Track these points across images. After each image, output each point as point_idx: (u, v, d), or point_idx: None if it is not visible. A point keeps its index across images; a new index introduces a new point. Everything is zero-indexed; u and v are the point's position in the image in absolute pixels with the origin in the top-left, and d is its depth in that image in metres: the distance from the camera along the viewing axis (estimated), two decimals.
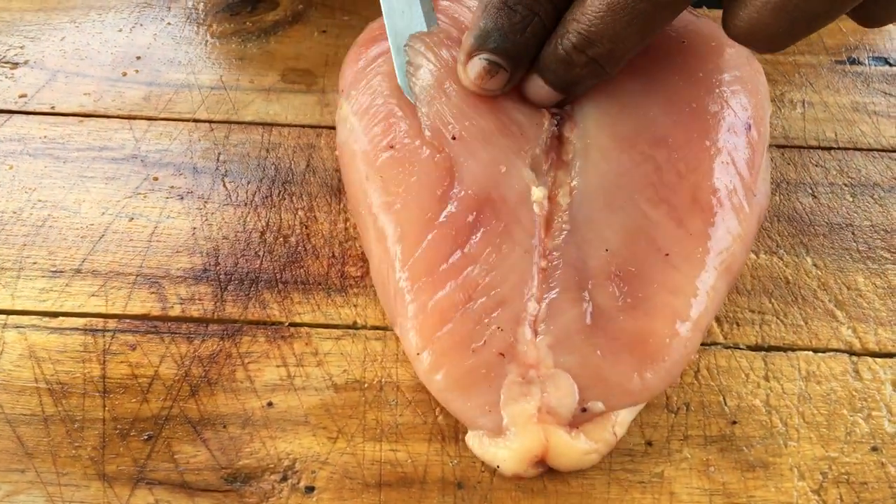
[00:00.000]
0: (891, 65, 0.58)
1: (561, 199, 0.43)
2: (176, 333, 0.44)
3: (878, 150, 0.53)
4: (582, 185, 0.43)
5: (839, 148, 0.53)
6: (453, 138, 0.43)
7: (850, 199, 0.51)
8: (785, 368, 0.43)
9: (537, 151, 0.43)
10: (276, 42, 0.59)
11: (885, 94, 0.57)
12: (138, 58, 0.57)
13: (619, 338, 0.39)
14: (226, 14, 0.60)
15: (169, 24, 0.60)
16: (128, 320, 0.44)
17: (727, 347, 0.44)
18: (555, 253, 0.41)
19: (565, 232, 0.42)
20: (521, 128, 0.44)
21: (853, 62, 0.59)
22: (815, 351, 0.44)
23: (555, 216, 0.42)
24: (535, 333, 0.39)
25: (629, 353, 0.39)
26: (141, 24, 0.59)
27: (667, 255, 0.41)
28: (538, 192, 0.42)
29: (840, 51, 0.59)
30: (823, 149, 0.53)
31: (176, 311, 0.45)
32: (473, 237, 0.41)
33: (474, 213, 0.41)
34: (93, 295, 0.45)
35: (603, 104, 0.44)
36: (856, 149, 0.53)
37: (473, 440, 0.39)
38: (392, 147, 0.44)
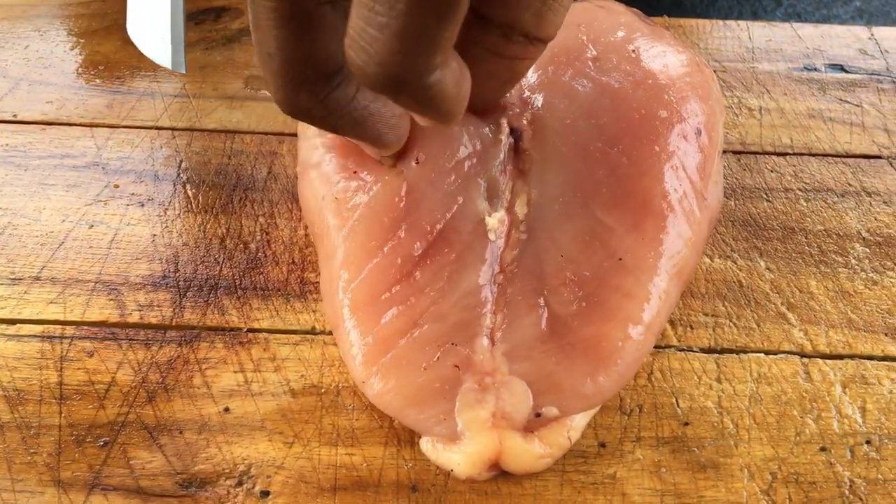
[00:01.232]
0: (846, 72, 0.59)
1: (518, 210, 0.43)
2: (134, 340, 0.44)
3: (832, 155, 0.54)
4: (539, 195, 0.43)
5: (794, 154, 0.54)
6: (416, 162, 0.43)
7: (804, 204, 0.51)
8: (737, 370, 0.44)
9: (494, 173, 0.44)
10: (241, 50, 0.59)
11: (841, 100, 0.58)
12: (101, 66, 0.58)
13: (574, 343, 0.40)
14: (190, 23, 0.61)
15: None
16: (86, 327, 0.44)
17: (680, 350, 0.45)
18: (513, 264, 0.42)
19: (523, 241, 0.42)
20: (483, 143, 0.44)
21: (810, 69, 0.60)
22: (767, 353, 0.45)
23: (512, 228, 0.43)
24: (493, 343, 0.40)
25: (583, 358, 0.40)
26: (106, 31, 0.60)
27: (620, 259, 0.41)
28: (493, 220, 0.42)
29: (797, 58, 0.60)
30: (779, 154, 0.54)
31: (134, 318, 0.45)
32: (421, 266, 0.41)
33: (423, 242, 0.41)
34: (51, 302, 0.45)
35: (559, 113, 0.45)
36: (811, 154, 0.54)
37: (427, 445, 0.39)
38: (354, 172, 0.44)
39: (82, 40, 0.59)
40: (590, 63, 0.46)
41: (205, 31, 0.60)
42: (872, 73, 0.59)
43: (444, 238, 0.42)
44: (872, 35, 0.62)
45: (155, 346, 0.44)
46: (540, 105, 0.45)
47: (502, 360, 0.40)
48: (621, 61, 0.45)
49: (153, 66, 0.58)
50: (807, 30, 0.63)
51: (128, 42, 0.59)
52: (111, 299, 0.45)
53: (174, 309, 0.45)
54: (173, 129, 0.54)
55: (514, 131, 0.45)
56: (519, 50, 0.35)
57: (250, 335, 0.44)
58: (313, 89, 0.34)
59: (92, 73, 0.57)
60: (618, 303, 0.40)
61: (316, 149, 0.46)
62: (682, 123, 0.44)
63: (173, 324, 0.45)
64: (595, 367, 0.39)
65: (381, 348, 0.40)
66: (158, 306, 0.45)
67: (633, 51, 0.46)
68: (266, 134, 0.54)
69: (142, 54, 0.58)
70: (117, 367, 0.43)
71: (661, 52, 0.46)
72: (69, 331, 0.44)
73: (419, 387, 0.39)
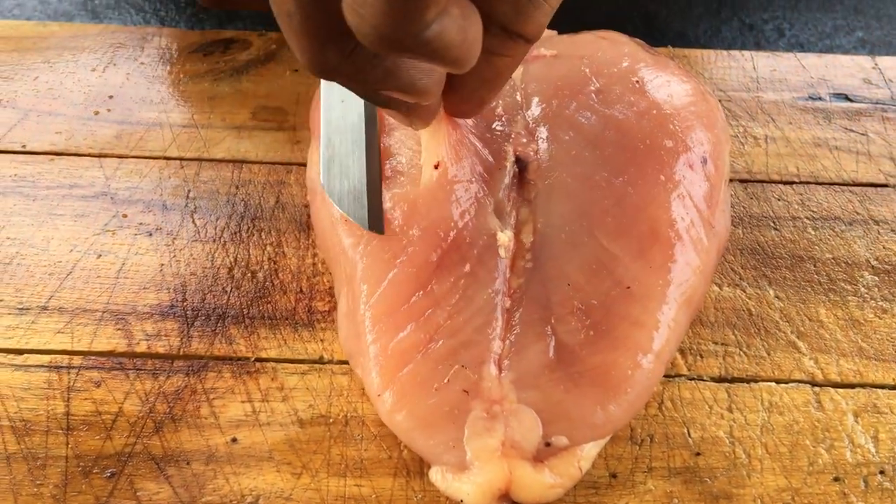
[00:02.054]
0: (851, 101, 0.60)
1: (524, 238, 0.43)
2: (141, 370, 0.44)
3: (838, 184, 0.54)
4: (544, 224, 0.43)
5: (801, 182, 0.54)
6: (436, 167, 0.43)
7: (812, 233, 0.51)
8: (748, 400, 0.43)
9: (500, 196, 0.44)
10: (249, 81, 0.60)
11: (846, 129, 0.58)
12: (111, 97, 0.58)
13: (582, 372, 0.40)
14: (199, 55, 0.61)
15: (142, 63, 0.60)
16: (93, 357, 0.44)
17: (691, 379, 0.44)
18: (519, 291, 0.42)
19: (529, 270, 0.42)
20: (489, 170, 0.44)
21: (814, 99, 0.60)
22: (778, 382, 0.44)
23: (518, 256, 0.43)
24: (500, 370, 0.40)
25: (592, 387, 0.39)
26: (114, 64, 0.60)
27: (628, 287, 0.41)
28: (504, 237, 0.43)
29: (802, 87, 0.61)
30: (785, 183, 0.54)
31: (142, 348, 0.45)
32: (437, 277, 0.41)
33: (438, 253, 0.42)
34: (59, 332, 0.45)
35: (564, 145, 0.45)
36: (817, 183, 0.54)
37: (437, 475, 0.39)
38: None
39: (92, 72, 0.59)
40: (594, 94, 0.46)
41: (213, 62, 0.61)
42: (877, 103, 0.60)
43: (457, 249, 0.42)
44: (876, 65, 0.62)
45: (162, 375, 0.43)
46: (545, 136, 0.46)
47: (510, 388, 0.39)
48: (625, 92, 0.46)
49: (161, 97, 0.58)
50: (811, 60, 0.63)
51: (135, 73, 0.59)
52: (119, 329, 0.45)
53: (182, 338, 0.45)
54: (181, 159, 0.54)
55: (519, 161, 0.45)
56: (497, 44, 0.34)
57: (258, 365, 0.44)
58: (339, 45, 0.32)
59: (101, 104, 0.57)
60: (626, 331, 0.40)
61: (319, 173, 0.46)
62: (688, 153, 0.44)
63: (181, 353, 0.44)
64: (605, 396, 0.39)
65: (398, 361, 0.40)
66: (166, 336, 0.45)
67: (637, 81, 0.46)
68: (274, 164, 0.54)
69: (150, 84, 0.58)
70: (124, 398, 0.43)
71: (665, 82, 0.47)
72: (76, 361, 0.44)
73: (429, 409, 0.39)
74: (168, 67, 0.60)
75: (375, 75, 0.33)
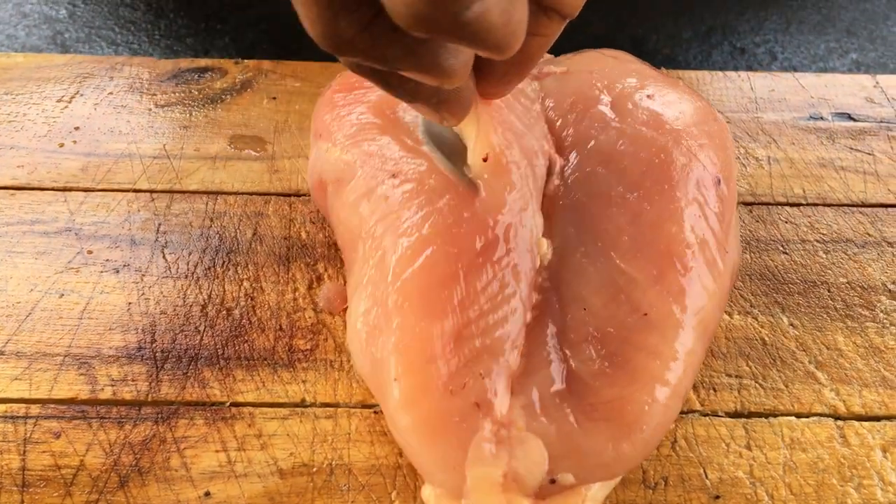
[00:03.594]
0: (854, 120, 0.57)
1: (541, 255, 0.40)
2: (105, 418, 0.40)
3: (847, 205, 0.52)
4: (561, 242, 0.40)
5: (808, 204, 0.52)
6: (484, 160, 0.40)
7: (824, 256, 0.48)
8: (767, 436, 0.40)
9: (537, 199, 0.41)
10: (224, 109, 0.57)
11: (852, 149, 0.55)
12: (77, 128, 0.55)
13: (595, 404, 0.36)
14: (171, 83, 0.58)
15: (111, 93, 0.57)
16: (53, 405, 0.40)
17: (705, 415, 0.41)
18: (536, 308, 0.38)
19: (546, 288, 0.39)
20: (533, 169, 0.41)
21: (816, 118, 0.58)
22: (799, 416, 0.41)
23: (537, 271, 0.39)
24: (512, 391, 0.36)
25: (605, 421, 0.36)
26: (81, 94, 0.57)
27: (645, 314, 0.38)
28: (544, 243, 0.40)
29: (802, 107, 0.58)
30: (792, 205, 0.51)
31: (106, 394, 0.41)
32: (477, 268, 0.38)
33: (485, 239, 0.38)
34: (15, 378, 0.41)
35: (581, 159, 0.42)
36: (825, 204, 0.52)
37: (430, 496, 0.36)
38: (394, 175, 0.42)
39: (58, 103, 0.56)
40: (607, 109, 0.44)
41: (186, 90, 0.58)
42: (882, 121, 0.57)
43: (505, 240, 0.39)
44: (878, 83, 0.60)
45: (128, 424, 0.40)
46: (562, 151, 0.43)
47: (520, 412, 0.36)
48: (637, 107, 0.43)
49: (131, 128, 0.55)
50: (809, 79, 0.61)
51: (103, 103, 0.56)
52: (81, 374, 0.42)
53: (150, 383, 0.41)
54: (152, 191, 0.51)
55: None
56: (531, 22, 0.31)
57: (234, 410, 0.40)
58: (355, 14, 0.28)
59: (66, 136, 0.54)
60: (643, 363, 0.37)
61: (346, 162, 0.44)
62: (703, 171, 0.41)
63: (149, 399, 0.41)
64: (618, 432, 0.35)
65: (422, 348, 0.37)
66: (133, 380, 0.41)
67: (649, 97, 0.44)
68: (251, 194, 0.51)
69: (118, 114, 0.55)
70: (86, 449, 0.39)
71: (676, 99, 0.44)
72: (34, 410, 0.40)
73: (439, 413, 0.36)
74: (138, 97, 0.57)
75: (395, 52, 0.29)
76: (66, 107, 0.56)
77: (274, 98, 0.57)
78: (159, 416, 0.40)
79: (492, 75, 0.34)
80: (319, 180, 0.46)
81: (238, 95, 0.58)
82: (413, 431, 0.36)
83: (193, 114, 0.56)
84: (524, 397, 0.36)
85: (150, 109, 0.56)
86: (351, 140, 0.44)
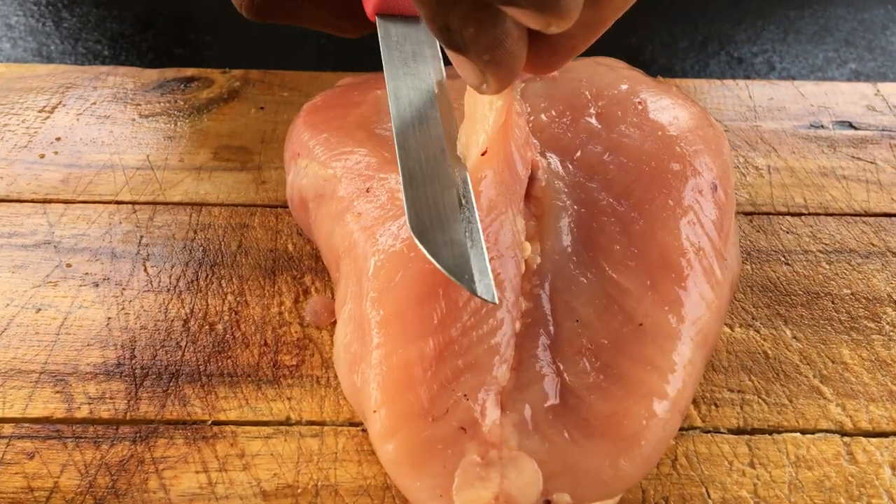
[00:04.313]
0: (855, 128, 0.56)
1: (531, 259, 0.38)
2: (81, 438, 0.38)
3: (850, 214, 0.50)
4: (552, 248, 0.39)
5: (810, 213, 0.50)
6: (483, 154, 0.37)
7: (827, 267, 0.47)
8: (772, 453, 0.38)
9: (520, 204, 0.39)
10: (210, 119, 0.55)
11: (853, 157, 0.54)
12: (58, 139, 0.53)
13: (590, 419, 0.35)
14: (156, 93, 0.57)
15: (94, 103, 0.56)
16: (27, 424, 0.39)
17: (706, 432, 0.39)
18: (526, 317, 0.37)
19: (536, 296, 0.37)
20: (512, 173, 0.40)
21: (816, 127, 0.56)
22: (804, 432, 0.39)
23: (526, 278, 0.38)
24: (503, 408, 0.35)
25: (601, 437, 0.34)
26: (63, 105, 0.56)
27: (640, 325, 0.36)
28: (528, 248, 0.38)
29: (802, 116, 0.57)
30: (793, 215, 0.50)
31: (83, 413, 0.39)
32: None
33: None
34: None
35: (568, 166, 0.41)
36: (827, 214, 0.50)
37: None
38: (367, 190, 0.40)
39: (39, 113, 0.55)
40: (596, 116, 0.42)
41: (171, 100, 0.56)
42: (883, 129, 0.56)
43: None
44: (878, 91, 0.59)
45: (105, 444, 0.38)
46: (550, 156, 0.41)
47: (511, 431, 0.34)
48: (628, 113, 0.42)
49: (114, 138, 0.53)
50: (809, 87, 0.59)
51: (86, 113, 0.55)
52: (57, 392, 0.40)
53: (129, 401, 0.40)
54: (134, 203, 0.49)
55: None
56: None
57: (215, 429, 0.39)
58: None
59: (47, 146, 0.53)
60: (639, 375, 0.35)
61: (325, 178, 0.43)
62: (697, 177, 0.40)
63: (127, 418, 0.39)
64: (615, 449, 0.34)
65: (401, 375, 0.35)
66: (111, 398, 0.40)
67: (640, 103, 0.42)
68: (236, 206, 0.49)
69: (101, 125, 0.53)
70: (61, 470, 0.37)
71: (669, 105, 0.43)
72: (7, 429, 0.38)
73: (422, 442, 0.34)
74: (122, 107, 0.56)
75: None
76: (47, 117, 0.55)
77: (261, 108, 0.56)
78: (137, 435, 0.38)
79: (556, 38, 0.32)
80: (300, 198, 0.45)
81: (225, 105, 0.56)
82: (396, 463, 0.34)
83: (178, 124, 0.55)
84: (516, 414, 0.35)
85: (133, 120, 0.55)
86: (330, 154, 0.43)
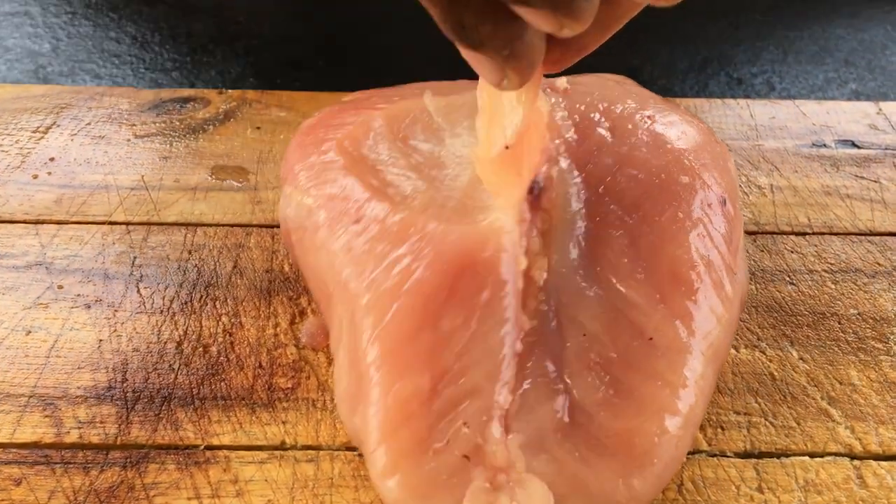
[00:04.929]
0: (858, 147, 0.55)
1: (536, 275, 0.37)
2: (70, 463, 0.37)
3: (855, 234, 0.49)
4: (558, 262, 0.38)
5: (814, 233, 0.49)
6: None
7: (833, 287, 0.46)
8: (780, 478, 0.37)
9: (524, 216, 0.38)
10: (206, 140, 0.55)
11: (857, 177, 0.53)
12: (52, 159, 0.53)
13: (601, 437, 0.34)
14: (152, 113, 0.56)
15: (88, 124, 0.55)
16: (14, 449, 0.38)
17: (713, 455, 0.38)
18: (531, 336, 0.36)
19: (542, 312, 0.36)
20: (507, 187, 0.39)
21: (819, 146, 0.56)
22: (812, 456, 0.38)
23: (530, 294, 0.37)
24: (507, 431, 0.34)
25: (613, 456, 0.33)
26: (58, 125, 0.55)
27: (650, 339, 0.36)
28: (525, 262, 0.37)
29: (804, 135, 0.57)
30: (798, 234, 0.49)
31: (72, 437, 0.38)
32: (448, 308, 0.36)
33: (450, 277, 0.36)
34: None
35: (577, 181, 0.40)
36: (832, 233, 0.49)
37: None
38: (357, 221, 0.39)
39: (33, 133, 0.54)
40: (607, 129, 0.42)
41: (167, 120, 0.56)
42: (887, 148, 0.55)
43: (472, 272, 0.36)
44: (881, 110, 0.58)
45: (95, 469, 0.37)
46: (560, 168, 0.41)
47: (518, 453, 0.33)
48: (638, 127, 0.41)
49: (108, 158, 0.53)
50: (810, 106, 0.59)
51: (81, 133, 0.54)
52: (47, 416, 0.39)
53: (119, 425, 0.39)
54: (128, 223, 0.49)
55: (535, 184, 0.39)
56: None
57: (208, 453, 0.38)
58: None
59: (40, 167, 0.52)
60: (650, 390, 0.35)
61: (308, 208, 0.42)
62: (706, 190, 0.39)
63: (118, 443, 0.38)
64: (627, 468, 0.33)
65: (399, 410, 0.34)
66: (101, 423, 0.39)
67: (649, 117, 0.42)
68: (232, 226, 0.48)
69: (96, 145, 0.53)
70: (49, 497, 0.36)
71: (676, 121, 0.42)
72: None
73: (425, 476, 0.33)
74: (117, 127, 0.55)
75: None
76: (41, 138, 0.54)
77: (258, 128, 0.56)
78: (128, 460, 0.37)
79: (557, 44, 0.31)
80: (285, 228, 0.44)
81: (221, 125, 0.56)
82: (400, 500, 0.33)
83: (174, 144, 0.54)
84: (522, 435, 0.33)
85: (128, 140, 0.54)
86: (313, 182, 0.42)
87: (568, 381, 0.35)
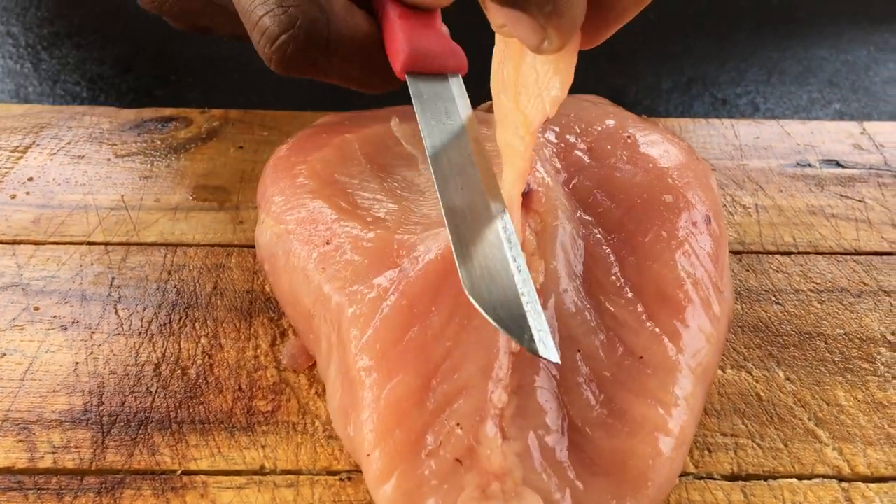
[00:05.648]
0: (843, 167, 0.55)
1: (533, 277, 0.36)
2: (43, 489, 0.36)
3: (840, 253, 0.49)
4: (555, 269, 0.37)
5: (799, 252, 0.49)
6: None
7: (819, 306, 0.46)
8: (768, 500, 0.37)
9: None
10: (188, 159, 0.54)
11: (842, 196, 0.53)
12: (30, 179, 0.52)
13: (595, 458, 0.33)
14: (133, 133, 0.56)
15: (68, 143, 0.55)
16: None
17: (699, 478, 0.38)
18: None
19: None
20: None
21: (803, 165, 0.56)
22: (800, 478, 0.38)
23: None
24: (503, 434, 0.33)
25: (607, 478, 0.33)
26: (37, 144, 0.54)
27: (641, 358, 0.35)
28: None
29: (789, 154, 0.57)
30: (783, 254, 0.49)
31: (46, 463, 0.37)
32: (436, 306, 0.35)
33: (437, 279, 0.36)
34: None
35: (561, 197, 0.40)
36: (817, 253, 0.49)
37: None
38: (328, 242, 0.39)
39: (12, 153, 0.53)
40: (585, 150, 0.42)
41: (148, 140, 0.55)
42: (871, 168, 0.55)
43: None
44: (864, 130, 0.58)
45: (69, 495, 0.36)
46: (550, 174, 0.40)
47: (515, 462, 0.32)
48: (617, 147, 0.41)
49: (88, 178, 0.52)
50: (794, 126, 0.59)
51: (60, 153, 0.53)
52: (20, 440, 0.38)
53: (95, 450, 0.38)
54: (107, 244, 0.48)
55: (526, 185, 0.39)
56: None
57: (185, 479, 0.37)
58: None
59: (19, 187, 0.51)
60: (643, 410, 0.34)
61: (278, 234, 0.41)
62: (691, 209, 0.39)
63: (93, 468, 0.37)
64: (621, 489, 0.32)
65: (392, 413, 0.33)
66: (76, 447, 0.38)
67: (629, 137, 0.42)
68: (212, 246, 0.48)
69: (76, 165, 0.52)
70: None
71: (657, 140, 0.42)
72: None
73: (417, 481, 0.32)
74: (97, 147, 0.54)
75: None
76: (20, 157, 0.53)
77: (241, 147, 0.55)
78: (103, 486, 0.36)
79: (598, 9, 0.31)
80: (259, 255, 0.44)
81: (203, 145, 0.55)
82: None
83: (155, 163, 0.53)
84: (520, 443, 0.33)
85: (109, 159, 0.54)
86: (284, 208, 0.42)
87: (564, 397, 0.34)
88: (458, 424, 0.33)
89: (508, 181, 0.35)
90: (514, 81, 0.35)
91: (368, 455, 0.33)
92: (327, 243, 0.39)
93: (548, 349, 0.30)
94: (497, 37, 0.35)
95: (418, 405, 0.33)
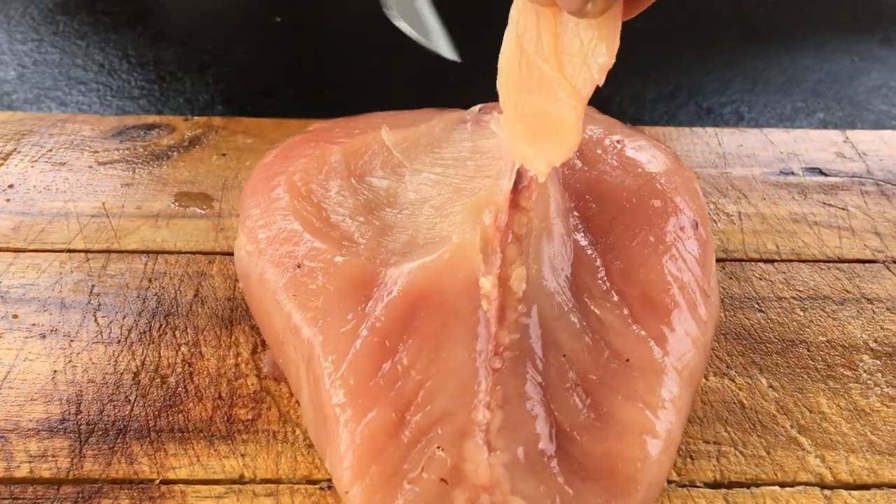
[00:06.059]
0: (826, 175, 0.56)
1: (515, 286, 0.36)
2: (19, 499, 0.36)
3: (823, 261, 0.49)
4: (538, 272, 0.37)
5: (782, 260, 0.49)
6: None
7: (801, 314, 0.46)
8: None
9: (486, 222, 0.37)
10: (170, 166, 0.54)
11: (825, 204, 0.53)
12: (10, 186, 0.51)
13: (583, 462, 0.33)
14: (115, 140, 0.55)
15: (50, 150, 0.54)
16: None
17: (682, 486, 0.37)
18: (512, 349, 0.35)
19: (524, 326, 0.36)
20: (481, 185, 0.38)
21: (786, 173, 0.56)
22: (783, 485, 0.38)
23: (510, 306, 0.36)
24: (489, 448, 0.32)
25: (595, 481, 0.33)
26: (18, 151, 0.54)
27: (627, 360, 0.35)
28: (486, 283, 0.36)
29: (772, 163, 0.57)
30: (766, 261, 0.49)
31: (23, 472, 0.37)
32: (405, 342, 0.35)
33: (406, 313, 0.36)
34: None
35: (556, 196, 0.40)
36: (800, 260, 0.49)
37: None
38: (299, 266, 0.39)
39: None
40: (576, 155, 0.41)
41: (130, 147, 0.55)
42: (854, 176, 0.56)
43: (427, 303, 0.36)
44: (847, 138, 0.59)
45: None
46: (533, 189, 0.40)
47: (503, 473, 0.32)
48: (606, 153, 0.41)
49: (69, 185, 0.52)
50: (778, 135, 0.59)
51: (41, 160, 0.53)
52: None
53: (72, 459, 0.37)
54: (87, 251, 0.47)
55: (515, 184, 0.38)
56: None
57: (163, 488, 0.36)
58: None
59: None
60: (630, 413, 0.34)
61: (250, 253, 0.41)
62: (678, 214, 0.39)
63: (70, 477, 0.37)
64: (611, 494, 0.32)
65: (369, 448, 0.33)
66: (53, 456, 0.37)
67: (618, 142, 0.42)
68: (194, 253, 0.48)
69: (57, 172, 0.52)
70: None
71: (644, 146, 0.42)
72: None
73: None
74: (79, 154, 0.54)
75: None
76: (1, 164, 0.53)
77: (224, 154, 0.55)
78: (80, 495, 0.36)
79: None
80: (237, 274, 0.43)
81: (186, 152, 0.55)
82: None
83: (137, 171, 0.53)
84: (507, 454, 0.32)
85: (90, 166, 0.53)
86: (257, 223, 0.41)
87: (551, 404, 0.34)
88: (438, 447, 0.32)
89: (545, 152, 0.34)
90: (555, 50, 0.33)
91: (347, 493, 0.33)
92: (298, 267, 0.38)
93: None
94: (508, 28, 0.34)
95: (394, 439, 0.33)
